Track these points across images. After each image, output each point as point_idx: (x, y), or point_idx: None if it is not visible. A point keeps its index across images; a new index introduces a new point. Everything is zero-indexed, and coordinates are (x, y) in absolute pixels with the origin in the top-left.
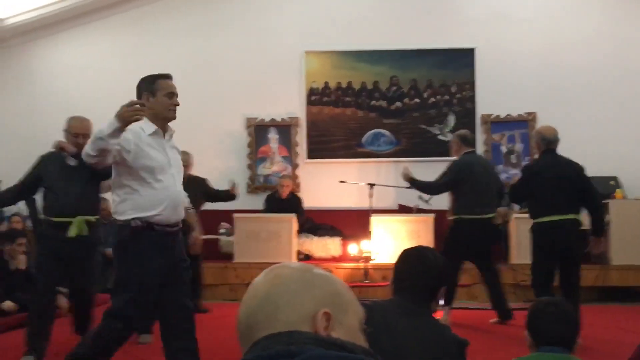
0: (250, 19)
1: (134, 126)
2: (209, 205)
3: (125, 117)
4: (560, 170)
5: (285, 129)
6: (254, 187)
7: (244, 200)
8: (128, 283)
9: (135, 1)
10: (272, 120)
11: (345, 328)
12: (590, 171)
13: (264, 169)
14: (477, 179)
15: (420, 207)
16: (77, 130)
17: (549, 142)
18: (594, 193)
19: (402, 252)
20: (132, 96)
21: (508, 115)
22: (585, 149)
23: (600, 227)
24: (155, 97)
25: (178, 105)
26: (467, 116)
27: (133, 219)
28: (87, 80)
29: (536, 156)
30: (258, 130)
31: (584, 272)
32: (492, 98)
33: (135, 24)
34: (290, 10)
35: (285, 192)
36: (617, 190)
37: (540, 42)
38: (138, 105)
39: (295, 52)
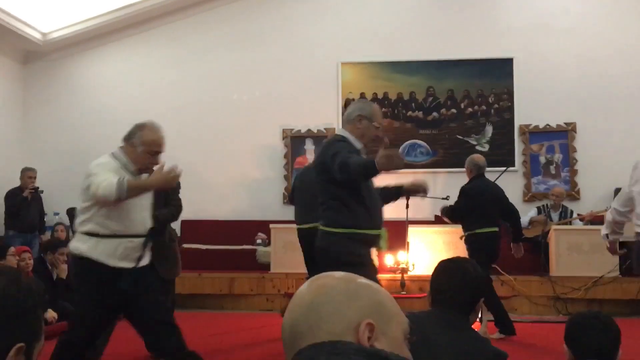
0: (287, 31)
1: None
2: (245, 216)
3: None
4: (490, 191)
5: (321, 139)
6: (290, 198)
7: (281, 211)
8: None
9: (173, 15)
10: (309, 131)
11: (389, 339)
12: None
13: None
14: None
15: None
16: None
17: (479, 167)
18: (514, 209)
19: (440, 264)
20: (169, 110)
21: (547, 125)
22: (625, 158)
23: (519, 235)
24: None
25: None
26: (505, 127)
27: None
28: (128, 94)
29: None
30: (294, 141)
31: (626, 284)
32: (530, 108)
33: (173, 37)
34: (326, 22)
35: None
36: None
37: (579, 52)
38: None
39: (331, 64)
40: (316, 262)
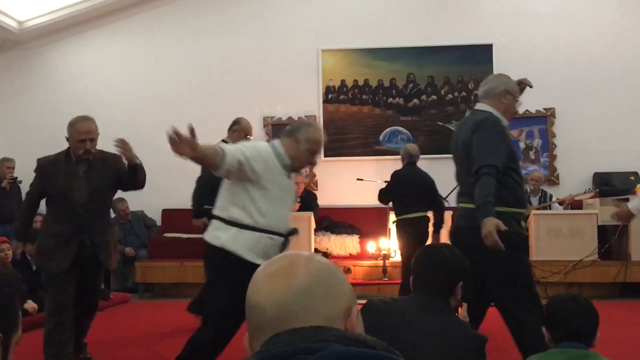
0: (266, 19)
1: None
2: None
3: None
4: (417, 179)
5: None
6: None
7: None
8: None
9: (152, 2)
10: (289, 118)
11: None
12: (610, 166)
13: None
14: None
15: None
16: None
17: (411, 155)
18: (440, 198)
19: (420, 250)
20: (150, 97)
21: (526, 111)
22: (605, 144)
23: (440, 225)
24: None
25: None
26: None
27: None
28: (106, 82)
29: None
30: (275, 129)
31: (605, 268)
32: None
33: (152, 25)
34: (306, 9)
35: (299, 190)
36: (638, 186)
37: (559, 38)
38: None
39: (311, 51)
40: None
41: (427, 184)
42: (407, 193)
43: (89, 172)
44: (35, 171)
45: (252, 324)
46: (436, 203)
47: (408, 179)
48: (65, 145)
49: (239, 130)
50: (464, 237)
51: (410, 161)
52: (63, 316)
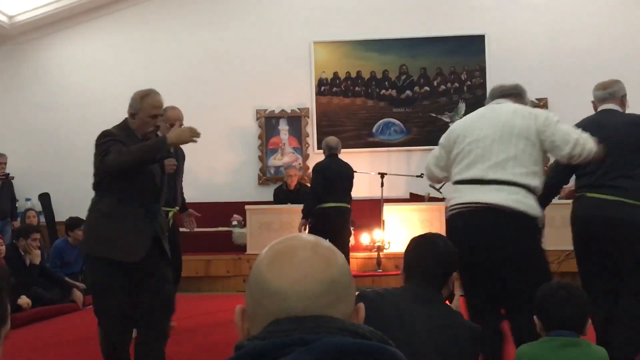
0: (258, 11)
1: None
2: (220, 197)
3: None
4: (335, 170)
5: (295, 120)
6: (264, 179)
7: (256, 192)
8: None
9: None
10: (282, 111)
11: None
12: None
13: (274, 161)
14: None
15: (432, 195)
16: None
17: (330, 148)
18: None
19: (412, 240)
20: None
21: None
22: None
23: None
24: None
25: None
26: (477, 103)
27: None
28: (99, 75)
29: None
30: (268, 122)
31: None
32: None
33: (144, 18)
34: (298, 1)
35: (292, 183)
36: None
37: (551, 27)
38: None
39: (303, 43)
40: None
41: (347, 175)
42: (327, 184)
43: None
44: (106, 139)
45: (261, 308)
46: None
47: (329, 170)
48: (55, 137)
49: (163, 120)
50: (602, 229)
51: (330, 153)
52: None
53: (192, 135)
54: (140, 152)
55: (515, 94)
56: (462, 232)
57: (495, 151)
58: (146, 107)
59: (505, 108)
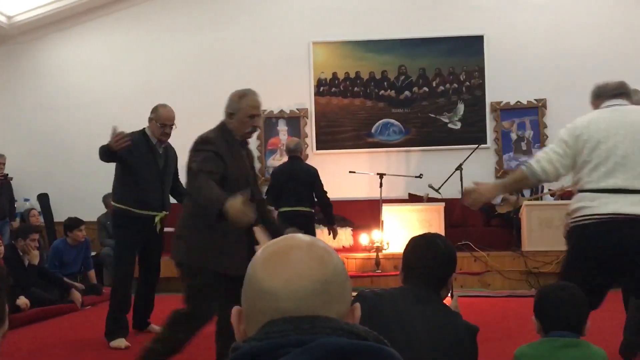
0: (257, 12)
1: None
2: None
3: None
4: (293, 173)
5: (294, 120)
6: (263, 180)
7: None
8: None
9: None
10: (281, 112)
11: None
12: None
13: (273, 161)
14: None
15: (431, 196)
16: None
17: (290, 150)
18: (322, 192)
19: (411, 240)
20: (142, 90)
21: (518, 102)
22: None
23: (331, 217)
24: None
25: None
26: (476, 104)
27: None
28: (99, 75)
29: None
30: (267, 122)
31: None
32: (501, 85)
33: (142, 19)
34: (297, 2)
35: None
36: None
37: (550, 28)
38: None
39: (302, 44)
40: None
41: (307, 179)
42: (287, 187)
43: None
44: (205, 149)
45: (255, 309)
46: (319, 197)
47: (280, 174)
48: (53, 137)
49: (155, 119)
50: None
51: (290, 156)
52: None
53: (246, 220)
54: (209, 200)
55: (626, 93)
56: (616, 243)
57: (637, 159)
58: (245, 107)
59: (630, 109)
